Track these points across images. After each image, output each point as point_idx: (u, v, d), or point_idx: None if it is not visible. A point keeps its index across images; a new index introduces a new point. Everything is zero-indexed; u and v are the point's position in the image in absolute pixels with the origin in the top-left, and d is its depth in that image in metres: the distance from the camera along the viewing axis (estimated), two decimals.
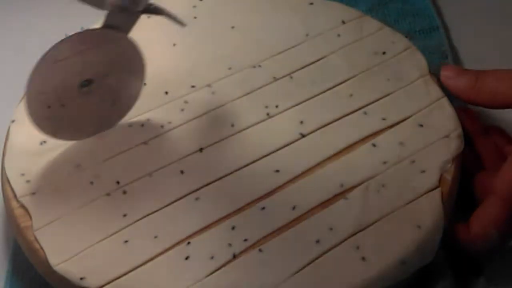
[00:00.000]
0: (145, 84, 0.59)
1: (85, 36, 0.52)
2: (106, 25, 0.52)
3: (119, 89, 0.55)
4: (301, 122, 0.58)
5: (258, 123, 0.58)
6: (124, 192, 0.53)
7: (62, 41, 0.50)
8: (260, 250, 0.51)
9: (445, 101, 0.59)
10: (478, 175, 0.57)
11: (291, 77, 0.60)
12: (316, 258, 0.51)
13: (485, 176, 0.56)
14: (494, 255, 0.55)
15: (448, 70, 0.59)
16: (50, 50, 0.50)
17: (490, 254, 0.55)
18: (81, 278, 0.50)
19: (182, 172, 0.55)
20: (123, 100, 0.55)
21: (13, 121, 0.57)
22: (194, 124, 0.57)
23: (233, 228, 0.52)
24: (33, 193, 0.53)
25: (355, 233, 0.52)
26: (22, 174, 0.54)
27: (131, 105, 0.56)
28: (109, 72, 0.53)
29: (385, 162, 0.55)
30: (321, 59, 0.62)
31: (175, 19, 0.53)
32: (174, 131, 0.57)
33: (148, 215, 0.52)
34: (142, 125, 0.57)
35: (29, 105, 0.51)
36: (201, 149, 0.56)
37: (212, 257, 0.51)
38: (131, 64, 0.54)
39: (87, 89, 0.53)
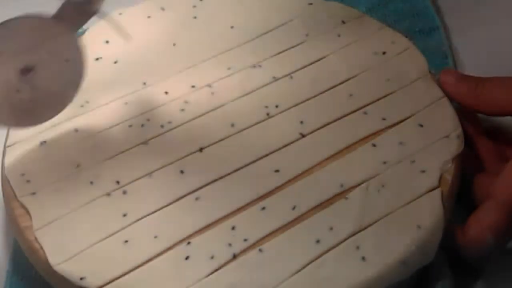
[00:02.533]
0: (144, 84, 0.59)
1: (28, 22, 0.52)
2: (56, 16, 0.52)
3: (58, 78, 0.55)
4: (301, 122, 0.58)
5: (258, 123, 0.58)
6: (124, 192, 0.53)
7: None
8: (260, 250, 0.51)
9: (445, 101, 0.59)
10: (477, 176, 0.57)
11: (291, 77, 0.60)
12: (316, 258, 0.51)
13: (485, 177, 0.56)
14: (489, 260, 0.55)
15: (448, 75, 0.59)
16: None
17: (485, 258, 0.54)
18: (81, 278, 0.50)
19: (182, 172, 0.55)
20: (64, 88, 0.55)
21: None
22: (194, 124, 0.57)
23: (233, 228, 0.52)
24: (33, 193, 0.53)
25: (355, 233, 0.52)
26: (22, 174, 0.54)
27: (72, 95, 0.55)
28: (48, 60, 0.54)
29: (385, 162, 0.55)
30: (321, 59, 0.62)
31: (120, 31, 0.54)
32: (174, 131, 0.57)
33: (148, 215, 0.52)
34: (142, 125, 0.57)
35: None
36: (201, 149, 0.56)
37: (212, 257, 0.51)
38: (69, 55, 0.54)
39: (31, 75, 0.53)
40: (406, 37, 0.64)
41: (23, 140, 0.56)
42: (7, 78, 0.53)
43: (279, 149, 0.56)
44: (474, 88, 0.57)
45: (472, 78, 0.58)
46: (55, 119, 0.57)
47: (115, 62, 0.61)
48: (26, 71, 0.53)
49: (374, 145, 0.56)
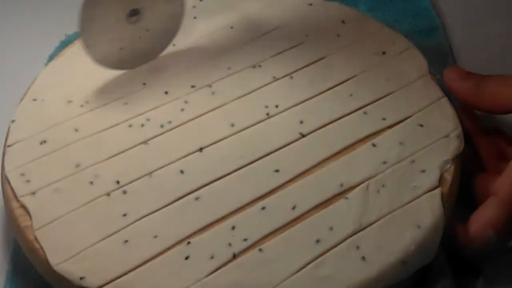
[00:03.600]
0: (144, 84, 0.59)
1: None
2: None
3: (163, 17, 0.58)
4: (301, 122, 0.58)
5: (258, 123, 0.58)
6: (124, 192, 0.53)
7: None
8: (260, 250, 0.51)
9: (445, 101, 0.59)
10: (478, 175, 0.57)
11: (291, 77, 0.60)
12: (316, 258, 0.51)
13: (485, 177, 0.56)
14: (491, 257, 0.55)
15: (452, 72, 0.59)
16: None
17: (486, 256, 0.54)
18: (81, 278, 0.50)
19: (182, 172, 0.55)
20: (166, 29, 0.59)
21: (13, 121, 0.57)
22: (194, 124, 0.57)
23: (233, 228, 0.52)
24: (33, 193, 0.53)
25: (355, 233, 0.52)
26: (22, 174, 0.54)
27: (172, 36, 0.60)
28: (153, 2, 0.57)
29: (385, 162, 0.55)
30: (321, 59, 0.62)
31: None
32: (174, 131, 0.57)
33: (148, 215, 0.52)
34: (142, 125, 0.57)
35: (88, 44, 0.57)
36: (201, 149, 0.56)
37: (212, 257, 0.51)
38: None
39: (134, 19, 0.57)
40: (406, 37, 0.64)
41: (23, 140, 0.56)
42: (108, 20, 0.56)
43: (279, 149, 0.56)
44: (476, 86, 0.57)
45: (475, 76, 0.58)
46: (55, 119, 0.57)
47: None
48: (133, 13, 0.57)
49: (374, 145, 0.56)
